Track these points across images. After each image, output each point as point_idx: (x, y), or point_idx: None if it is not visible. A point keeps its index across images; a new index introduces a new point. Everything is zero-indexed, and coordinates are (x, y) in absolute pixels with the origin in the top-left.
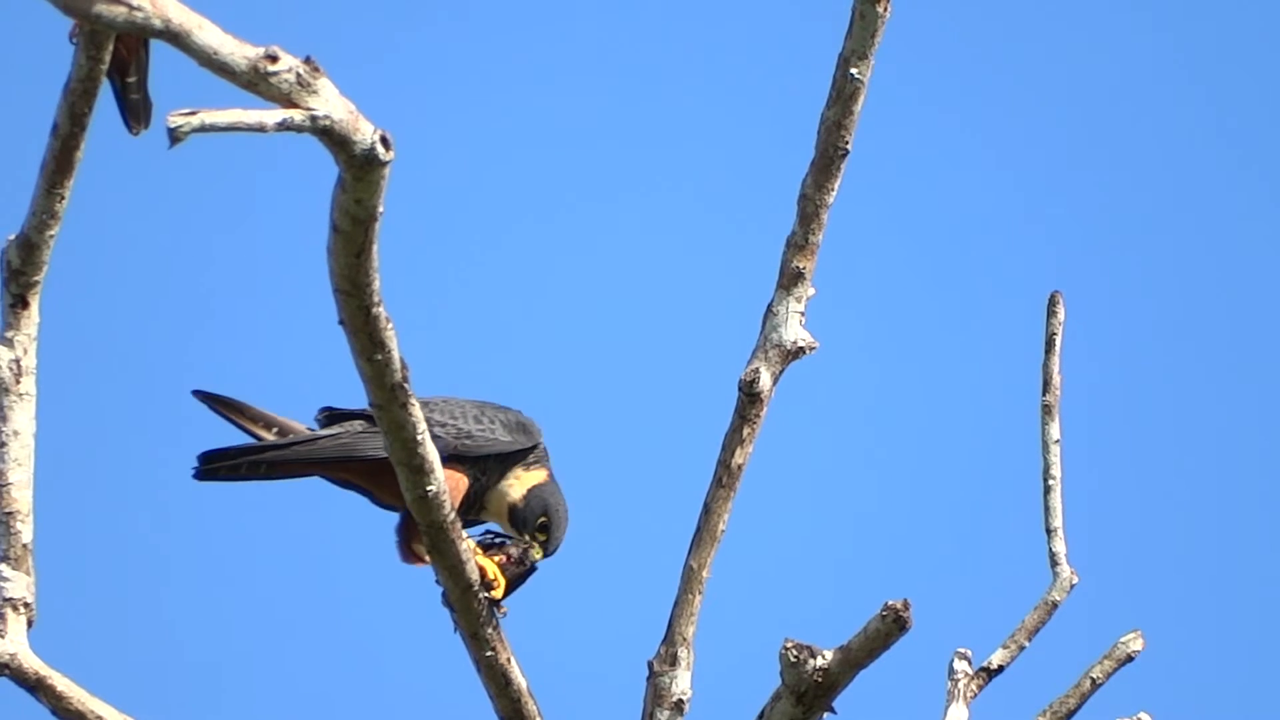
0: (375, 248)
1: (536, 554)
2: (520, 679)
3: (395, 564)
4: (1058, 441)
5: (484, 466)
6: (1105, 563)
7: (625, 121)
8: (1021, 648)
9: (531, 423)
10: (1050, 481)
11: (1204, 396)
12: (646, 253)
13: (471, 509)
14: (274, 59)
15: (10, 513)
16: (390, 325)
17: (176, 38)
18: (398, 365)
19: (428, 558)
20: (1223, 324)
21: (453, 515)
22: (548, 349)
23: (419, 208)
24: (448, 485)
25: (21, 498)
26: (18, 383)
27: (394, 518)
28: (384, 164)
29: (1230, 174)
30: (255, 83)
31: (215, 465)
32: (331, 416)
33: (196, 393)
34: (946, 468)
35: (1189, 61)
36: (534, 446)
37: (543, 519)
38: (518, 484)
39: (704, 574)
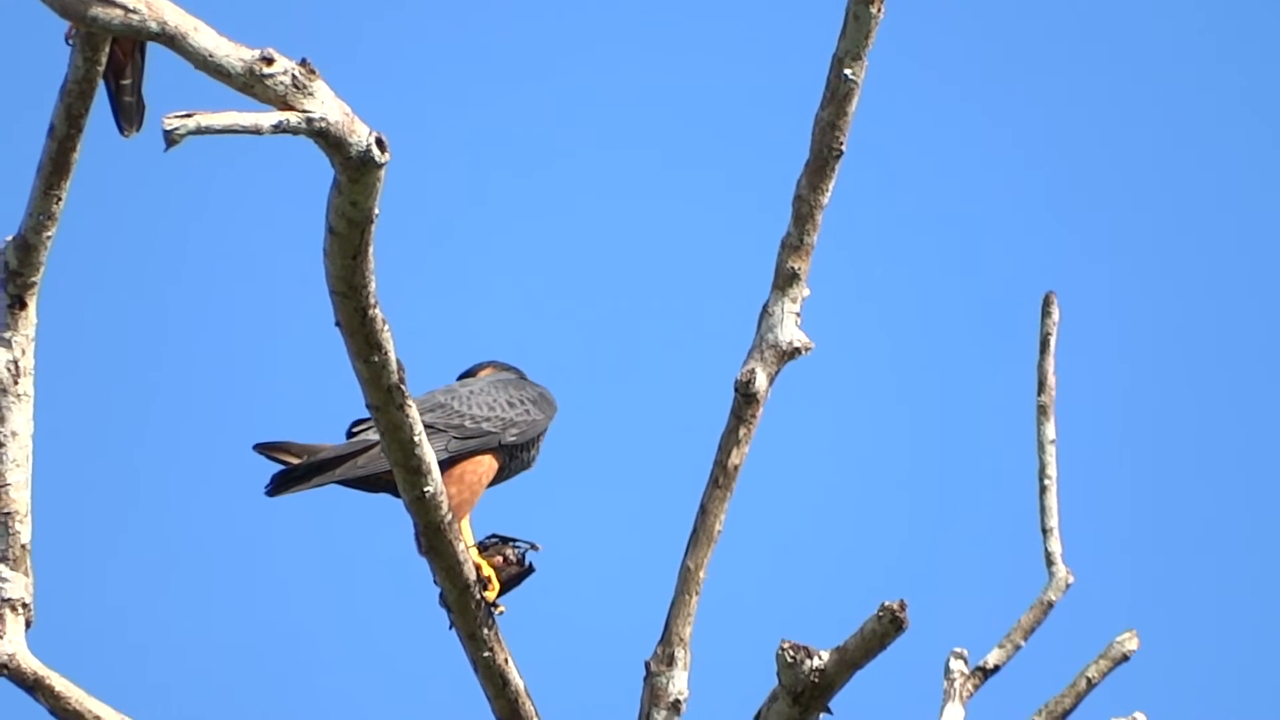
0: (371, 250)
1: None
2: (517, 679)
3: (392, 565)
4: (1053, 441)
5: (523, 444)
6: (1101, 562)
7: (620, 122)
8: (1017, 647)
9: (545, 391)
10: (1046, 481)
11: (1199, 396)
12: (642, 254)
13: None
14: (269, 61)
15: (8, 513)
16: (387, 327)
17: (172, 40)
18: (394, 367)
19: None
20: (1217, 324)
21: (450, 516)
22: (544, 350)
23: (413, 209)
24: (480, 471)
25: (20, 498)
26: (15, 383)
27: (402, 517)
28: (380, 166)
29: (1224, 175)
30: (251, 85)
31: (288, 486)
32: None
33: (258, 447)
34: (942, 468)
35: (1178, 61)
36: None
37: None
38: None
39: (701, 574)
